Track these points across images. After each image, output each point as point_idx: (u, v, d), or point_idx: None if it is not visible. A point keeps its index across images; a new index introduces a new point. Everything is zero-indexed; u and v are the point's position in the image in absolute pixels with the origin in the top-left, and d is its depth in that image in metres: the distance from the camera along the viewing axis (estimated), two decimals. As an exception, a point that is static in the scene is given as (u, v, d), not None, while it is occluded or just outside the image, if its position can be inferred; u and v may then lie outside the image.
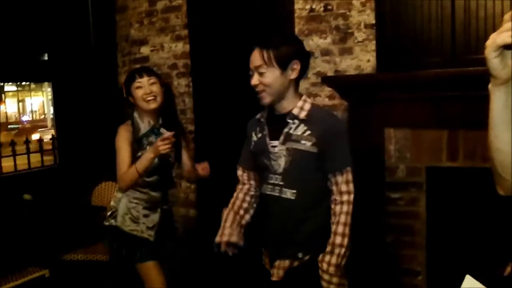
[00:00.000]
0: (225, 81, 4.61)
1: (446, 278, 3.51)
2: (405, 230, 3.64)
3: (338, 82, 3.84)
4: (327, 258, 2.37)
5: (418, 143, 3.54)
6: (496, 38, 1.30)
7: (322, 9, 4.14)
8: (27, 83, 19.14)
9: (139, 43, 5.20)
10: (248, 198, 2.71)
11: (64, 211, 4.66)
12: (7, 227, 4.25)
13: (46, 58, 5.04)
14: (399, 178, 3.62)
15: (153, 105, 3.08)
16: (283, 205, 2.47)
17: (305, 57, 2.49)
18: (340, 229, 2.36)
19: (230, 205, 2.71)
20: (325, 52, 4.17)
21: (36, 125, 19.32)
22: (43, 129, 16.22)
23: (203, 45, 4.82)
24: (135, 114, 3.17)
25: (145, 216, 3.19)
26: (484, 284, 1.57)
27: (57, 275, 4.31)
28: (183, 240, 3.43)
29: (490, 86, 1.39)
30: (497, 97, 1.38)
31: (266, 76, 2.38)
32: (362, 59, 4.02)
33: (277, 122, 2.48)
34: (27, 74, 5.35)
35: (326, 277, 2.37)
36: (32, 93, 21.19)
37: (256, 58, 2.41)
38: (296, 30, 4.25)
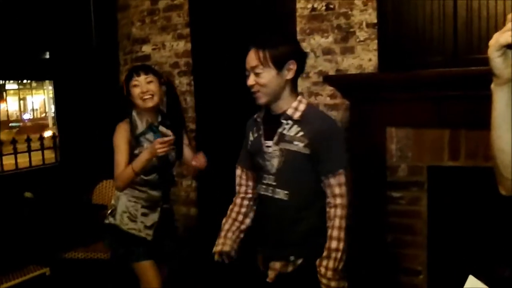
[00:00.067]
0: (226, 80, 4.61)
1: (447, 278, 3.50)
2: (407, 229, 3.64)
3: (339, 81, 3.83)
4: (324, 262, 2.37)
5: (420, 142, 3.53)
6: (499, 38, 1.30)
7: (324, 8, 4.14)
8: (28, 81, 19.12)
9: (140, 42, 5.20)
10: (246, 202, 2.70)
11: (65, 209, 4.66)
12: (8, 225, 4.25)
13: (47, 56, 5.04)
14: (401, 177, 3.61)
15: (149, 104, 3.07)
16: (276, 205, 2.47)
17: (301, 57, 2.48)
18: (335, 233, 2.37)
19: (228, 212, 2.72)
20: (327, 51, 4.17)
21: (37, 123, 19.32)
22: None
23: (205, 44, 4.82)
24: (134, 112, 3.16)
25: (144, 215, 3.18)
26: (485, 284, 1.57)
27: (58, 273, 4.31)
28: (183, 239, 3.41)
29: (492, 85, 1.39)
30: (500, 97, 1.38)
31: (262, 76, 2.38)
32: (364, 58, 4.02)
33: (272, 122, 2.47)
34: (28, 73, 5.35)
35: (324, 281, 2.36)
36: (33, 91, 21.15)
37: (252, 58, 2.40)
38: (298, 29, 4.25)
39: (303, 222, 2.44)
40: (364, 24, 4.00)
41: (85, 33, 5.10)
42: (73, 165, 4.96)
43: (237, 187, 2.75)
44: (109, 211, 3.28)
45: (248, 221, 2.69)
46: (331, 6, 4.11)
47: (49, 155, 5.13)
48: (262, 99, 2.43)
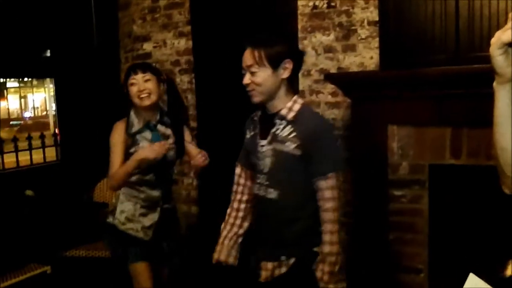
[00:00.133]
0: (228, 78, 4.60)
1: (449, 276, 3.49)
2: (408, 227, 3.63)
3: (341, 79, 3.82)
4: (320, 266, 2.38)
5: (421, 140, 3.52)
6: (501, 36, 1.29)
7: (325, 6, 4.14)
8: (29, 79, 19.15)
9: (141, 40, 5.20)
10: (243, 206, 2.71)
11: (66, 208, 4.67)
12: (9, 223, 4.25)
13: (48, 54, 5.04)
14: (402, 175, 3.61)
15: (146, 102, 3.04)
16: (268, 205, 2.48)
17: (297, 56, 2.48)
18: (327, 238, 2.37)
19: (226, 217, 2.74)
20: (328, 49, 4.16)
21: (38, 121, 19.33)
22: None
23: (206, 42, 4.82)
24: (132, 111, 3.15)
25: (143, 215, 3.15)
26: (487, 283, 1.56)
27: (59, 271, 4.32)
28: (185, 237, 3.40)
29: (494, 84, 1.38)
30: (502, 95, 1.37)
31: (258, 75, 2.38)
32: (365, 56, 4.02)
33: (268, 122, 2.47)
34: (29, 71, 5.36)
35: (322, 285, 2.38)
36: (34, 89, 21.19)
37: (247, 57, 2.41)
38: (299, 27, 4.25)
39: (295, 222, 2.44)
40: (365, 22, 3.99)
41: (86, 31, 5.10)
42: (74, 163, 4.96)
43: (234, 186, 2.75)
44: (110, 210, 3.28)
45: (246, 224, 2.70)
46: (333, 4, 4.10)
47: (50, 153, 5.13)
48: (257, 98, 2.43)
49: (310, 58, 4.22)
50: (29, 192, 4.48)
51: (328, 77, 3.84)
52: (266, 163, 2.45)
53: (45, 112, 20.81)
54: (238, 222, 2.69)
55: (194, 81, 4.96)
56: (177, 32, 5.00)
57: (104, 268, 4.11)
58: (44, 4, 4.73)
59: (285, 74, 2.40)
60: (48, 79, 14.32)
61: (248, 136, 2.61)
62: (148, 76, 3.06)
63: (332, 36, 4.14)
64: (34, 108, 21.69)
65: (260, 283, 2.51)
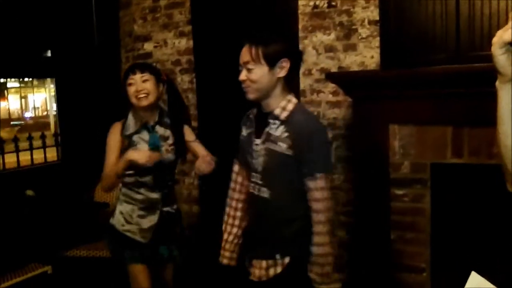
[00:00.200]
0: (228, 78, 4.58)
1: (451, 275, 3.49)
2: (410, 227, 3.63)
3: (342, 79, 3.82)
4: (312, 268, 2.38)
5: (423, 139, 3.52)
6: (503, 35, 1.29)
7: (326, 5, 4.14)
8: (30, 79, 19.14)
9: (142, 39, 5.20)
10: (240, 205, 2.72)
11: (66, 208, 4.67)
12: (10, 223, 4.25)
13: (49, 54, 5.04)
14: (404, 174, 3.60)
15: (144, 103, 3.01)
16: (261, 204, 2.49)
17: (295, 56, 2.47)
18: (318, 239, 2.36)
19: (225, 217, 2.75)
20: (329, 49, 4.16)
21: (39, 121, 19.33)
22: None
23: (207, 41, 4.82)
24: (131, 111, 3.13)
25: (141, 217, 3.11)
26: (489, 282, 1.56)
27: (59, 271, 4.32)
28: (186, 237, 3.38)
29: (497, 83, 1.38)
30: (504, 94, 1.37)
31: (254, 72, 2.37)
32: (366, 55, 4.02)
33: (262, 121, 2.47)
34: (30, 71, 5.35)
35: (316, 286, 2.38)
36: (35, 89, 21.16)
37: (245, 54, 2.41)
38: (300, 26, 4.25)
39: (289, 221, 2.44)
40: (366, 21, 4.00)
41: (87, 31, 5.09)
42: (75, 163, 4.96)
43: (231, 183, 2.76)
44: (111, 211, 3.27)
45: (244, 224, 2.72)
46: (333, 3, 4.11)
47: (51, 153, 5.13)
48: (252, 95, 2.42)
49: (311, 58, 4.23)
50: (29, 192, 4.48)
51: (329, 76, 3.83)
52: (260, 162, 2.45)
53: (45, 112, 20.79)
54: (236, 223, 2.71)
55: (195, 81, 4.96)
56: (177, 32, 5.00)
57: (105, 268, 4.11)
58: (44, 4, 4.73)
59: (281, 73, 2.39)
60: (48, 79, 14.30)
61: (244, 133, 2.61)
62: (146, 76, 3.03)
63: (332, 36, 4.14)
64: (34, 108, 21.67)
65: (254, 282, 2.51)
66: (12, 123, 18.20)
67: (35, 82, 20.26)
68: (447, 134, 3.44)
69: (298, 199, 2.40)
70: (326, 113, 4.21)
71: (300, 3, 4.25)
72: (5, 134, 11.31)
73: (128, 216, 3.12)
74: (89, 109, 5.00)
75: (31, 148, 4.82)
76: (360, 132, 3.69)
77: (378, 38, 3.93)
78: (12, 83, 20.09)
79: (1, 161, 4.62)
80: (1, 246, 4.10)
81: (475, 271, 1.62)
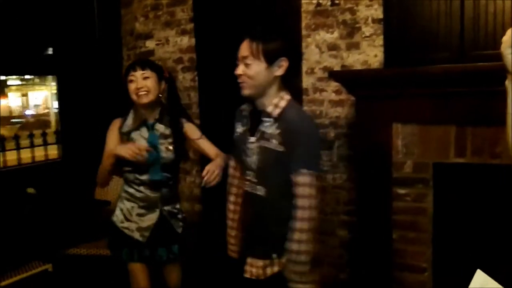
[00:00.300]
0: (230, 76, 4.57)
1: (453, 275, 3.48)
2: (412, 226, 3.62)
3: (345, 77, 3.81)
4: (288, 265, 2.37)
5: (426, 139, 3.51)
6: (513, 34, 1.28)
7: (329, 3, 4.12)
8: (31, 77, 19.13)
9: (144, 37, 5.19)
10: (240, 200, 2.72)
11: (67, 205, 4.65)
12: (10, 221, 4.24)
13: (50, 52, 5.02)
14: (406, 174, 3.59)
15: (144, 100, 2.98)
16: (256, 202, 2.48)
17: (294, 56, 2.46)
18: (295, 235, 2.33)
19: (227, 213, 2.76)
20: (332, 47, 4.15)
21: (40, 119, 19.31)
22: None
23: (209, 39, 4.80)
24: (132, 108, 3.12)
25: (140, 215, 3.09)
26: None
27: (60, 269, 4.30)
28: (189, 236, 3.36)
29: (506, 82, 1.37)
30: None
31: (251, 68, 2.37)
32: (369, 54, 4.00)
33: (256, 118, 2.47)
34: (31, 68, 5.34)
35: (291, 284, 2.37)
36: (36, 87, 21.13)
37: (244, 48, 2.40)
38: (303, 24, 4.23)
39: (284, 220, 2.39)
40: (369, 19, 3.98)
41: (88, 29, 5.08)
42: (76, 161, 4.95)
43: (230, 178, 2.76)
44: (114, 208, 3.26)
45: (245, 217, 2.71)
46: (337, 2, 4.09)
47: (52, 151, 5.12)
48: (247, 91, 2.42)
49: (313, 56, 4.21)
50: (30, 190, 4.46)
51: (332, 74, 3.82)
52: (254, 160, 2.44)
53: (46, 110, 20.78)
54: (236, 217, 2.72)
55: (197, 79, 4.95)
56: (179, 30, 4.98)
57: (106, 266, 4.10)
58: (46, 1, 4.72)
59: (279, 71, 2.39)
60: (50, 77, 14.28)
61: (239, 130, 2.61)
62: (147, 73, 3.00)
63: (336, 34, 4.13)
64: (35, 106, 21.65)
65: (252, 280, 2.49)
66: (13, 120, 18.16)
67: (36, 79, 20.22)
68: (450, 134, 3.43)
69: (292, 198, 2.37)
70: (328, 112, 4.20)
71: (303, 1, 4.23)
72: (6, 131, 11.27)
73: (127, 214, 3.10)
74: (90, 107, 4.98)
75: (32, 146, 4.81)
76: (363, 131, 3.69)
77: (381, 37, 3.92)
78: (13, 81, 20.05)
79: (2, 159, 4.60)
80: (2, 244, 4.09)
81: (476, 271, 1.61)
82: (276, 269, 2.43)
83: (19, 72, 8.75)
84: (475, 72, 3.20)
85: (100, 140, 3.18)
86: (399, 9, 3.67)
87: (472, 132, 3.37)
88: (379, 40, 3.94)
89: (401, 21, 3.67)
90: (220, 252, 2.88)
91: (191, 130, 3.19)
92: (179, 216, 3.24)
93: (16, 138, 4.71)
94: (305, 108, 4.25)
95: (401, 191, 3.62)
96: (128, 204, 3.12)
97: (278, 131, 2.36)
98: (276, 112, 2.38)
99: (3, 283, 3.90)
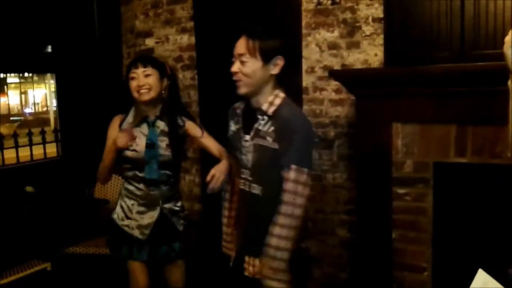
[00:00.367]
0: (230, 74, 4.57)
1: (452, 275, 3.48)
2: (411, 226, 3.62)
3: (345, 76, 3.81)
4: (264, 260, 2.34)
5: (426, 138, 3.51)
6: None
7: (329, 2, 4.12)
8: (30, 75, 19.11)
9: (144, 35, 5.18)
10: (235, 198, 2.69)
11: (66, 204, 4.65)
12: (9, 219, 4.23)
13: (49, 49, 5.02)
14: (406, 173, 3.59)
15: (145, 97, 2.97)
16: (252, 200, 2.46)
17: (291, 55, 2.45)
18: (275, 230, 2.31)
19: (223, 211, 2.75)
20: (332, 46, 4.14)
21: (38, 117, 19.31)
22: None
23: (209, 38, 4.79)
24: (134, 105, 3.10)
25: (140, 212, 3.07)
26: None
27: (59, 268, 4.29)
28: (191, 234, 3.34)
29: (509, 82, 1.36)
30: None
31: (247, 65, 2.36)
32: (370, 53, 4.00)
33: (251, 116, 2.46)
34: (30, 66, 5.34)
35: (265, 280, 2.35)
36: (35, 85, 21.12)
37: (241, 45, 2.40)
38: (303, 23, 4.23)
39: None
40: (370, 18, 3.97)
41: (88, 26, 5.08)
42: (75, 159, 4.94)
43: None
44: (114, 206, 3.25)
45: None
46: (337, 0, 4.09)
47: (51, 149, 5.11)
48: (243, 89, 2.41)
49: (314, 55, 4.21)
50: (29, 188, 4.46)
51: (333, 73, 3.81)
52: (249, 158, 2.43)
53: (45, 108, 20.77)
54: (233, 214, 2.70)
55: (197, 77, 4.94)
56: (179, 28, 4.97)
57: (105, 265, 4.09)
58: (45, -1, 4.72)
59: (274, 70, 2.38)
60: (48, 75, 14.28)
61: (232, 129, 2.60)
62: (149, 71, 2.98)
63: (336, 33, 4.12)
64: (34, 104, 21.64)
65: (250, 277, 2.48)
66: (11, 118, 18.17)
67: (35, 77, 20.23)
68: (450, 133, 3.43)
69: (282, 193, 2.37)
70: (328, 111, 4.19)
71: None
72: (4, 129, 11.29)
73: (128, 211, 3.09)
74: (89, 105, 4.98)
75: (30, 144, 4.80)
76: (363, 130, 3.68)
77: (382, 36, 3.92)
78: (12, 79, 20.05)
79: (1, 157, 4.60)
80: (1, 243, 4.08)
81: (476, 271, 1.61)
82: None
83: (18, 70, 8.77)
84: (475, 72, 3.20)
85: (99, 138, 3.17)
86: (400, 8, 3.67)
87: (472, 131, 3.36)
88: (380, 39, 3.94)
89: (401, 21, 3.66)
90: (220, 252, 2.86)
91: (193, 128, 3.18)
92: (181, 214, 3.22)
93: (15, 136, 4.70)
94: (305, 107, 4.25)
95: (401, 190, 3.61)
96: (129, 202, 3.10)
97: (272, 128, 2.36)
98: (271, 110, 2.38)
99: (2, 282, 3.90)
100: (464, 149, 3.40)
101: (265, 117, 2.39)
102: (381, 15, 3.89)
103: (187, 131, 3.13)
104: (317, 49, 4.18)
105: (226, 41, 4.63)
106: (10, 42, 4.48)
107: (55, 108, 5.52)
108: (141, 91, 2.96)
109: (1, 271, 4.02)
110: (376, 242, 3.70)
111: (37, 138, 4.90)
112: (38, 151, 4.93)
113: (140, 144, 3.00)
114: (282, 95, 2.43)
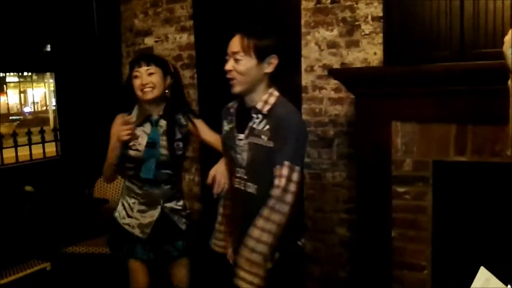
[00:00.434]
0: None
1: (452, 274, 3.48)
2: (411, 224, 3.61)
3: (344, 75, 3.80)
4: (242, 251, 2.32)
5: (425, 137, 3.50)
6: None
7: (329, 1, 4.12)
8: (29, 74, 19.10)
9: (143, 34, 5.17)
10: (231, 196, 2.69)
11: (66, 203, 4.64)
12: (8, 219, 4.22)
13: (48, 48, 5.01)
14: (406, 172, 3.58)
15: (148, 96, 2.97)
16: (247, 199, 2.46)
17: (285, 54, 2.45)
18: (259, 223, 2.28)
19: (218, 208, 2.77)
20: (332, 45, 4.14)
21: (38, 116, 19.30)
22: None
23: (208, 37, 4.79)
24: (137, 103, 3.10)
25: (141, 211, 3.07)
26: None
27: (58, 268, 4.29)
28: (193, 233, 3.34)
29: (509, 82, 1.36)
30: None
31: (242, 64, 2.36)
32: (369, 52, 4.00)
33: (245, 115, 2.46)
34: (29, 65, 5.33)
35: (239, 271, 2.32)
36: (34, 84, 21.11)
37: (235, 43, 2.40)
38: (303, 22, 4.23)
39: None
40: (369, 17, 3.98)
41: (87, 25, 5.07)
42: (74, 158, 4.94)
43: None
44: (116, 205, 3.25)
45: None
46: (336, -1, 4.09)
47: (50, 149, 5.11)
48: (237, 88, 2.40)
49: (313, 54, 4.21)
50: (28, 188, 4.45)
51: (332, 72, 3.81)
52: (244, 157, 2.43)
53: (45, 107, 20.75)
54: (227, 212, 2.72)
55: (196, 76, 4.94)
56: (179, 27, 4.97)
57: (104, 264, 4.09)
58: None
59: (269, 69, 2.39)
60: (48, 74, 14.28)
61: (226, 128, 2.59)
62: (152, 69, 2.98)
63: (335, 32, 4.12)
64: (33, 103, 21.63)
65: None
66: (11, 118, 18.16)
67: (35, 76, 20.22)
68: (450, 132, 3.42)
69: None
70: (328, 110, 4.19)
71: (303, -2, 4.23)
72: (4, 129, 11.29)
73: (129, 210, 3.09)
74: (89, 104, 4.98)
75: (30, 143, 4.80)
76: (362, 129, 3.68)
77: (381, 35, 3.91)
78: (11, 78, 20.04)
79: (0, 157, 4.59)
80: (0, 243, 4.08)
81: (476, 269, 1.60)
82: (269, 265, 2.39)
83: (17, 69, 8.76)
84: (475, 71, 3.20)
85: (99, 138, 3.17)
86: (399, 7, 3.65)
87: (472, 130, 3.36)
88: (379, 38, 3.93)
89: (401, 19, 3.65)
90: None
91: (203, 128, 3.18)
92: (183, 213, 3.21)
93: (14, 135, 4.69)
94: (305, 106, 4.25)
95: (401, 189, 3.61)
96: (129, 200, 3.10)
97: (267, 127, 2.36)
98: (266, 108, 2.38)
99: (2, 282, 3.89)
100: (464, 148, 3.40)
101: (260, 116, 2.39)
102: (381, 14, 3.89)
103: (191, 130, 3.12)
104: (317, 48, 4.18)
105: (226, 40, 4.64)
106: (9, 41, 4.47)
107: (54, 107, 5.51)
108: (145, 89, 2.96)
109: (1, 271, 4.02)
110: (375, 240, 3.70)
111: (36, 138, 4.89)
112: (37, 151, 4.92)
113: (142, 143, 3.00)
114: (276, 93, 2.44)
